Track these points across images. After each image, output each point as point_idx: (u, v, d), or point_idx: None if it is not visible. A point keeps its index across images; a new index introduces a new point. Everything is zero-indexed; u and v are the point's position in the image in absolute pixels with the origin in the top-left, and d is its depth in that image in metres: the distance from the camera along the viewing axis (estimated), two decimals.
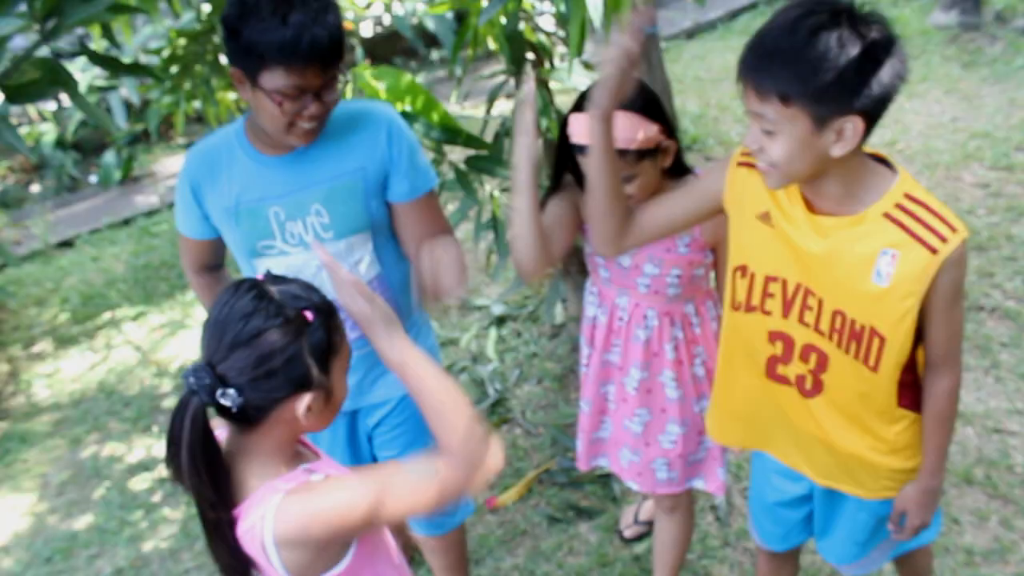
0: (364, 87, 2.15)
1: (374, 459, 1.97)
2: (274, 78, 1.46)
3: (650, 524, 2.46)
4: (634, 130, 1.58)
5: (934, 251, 1.26)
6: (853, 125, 1.20)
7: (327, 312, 1.19)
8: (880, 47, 1.17)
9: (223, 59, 3.32)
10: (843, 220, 1.32)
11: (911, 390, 1.44)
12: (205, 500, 1.16)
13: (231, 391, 1.12)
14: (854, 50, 1.15)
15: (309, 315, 1.16)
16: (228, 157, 1.67)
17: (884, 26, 1.20)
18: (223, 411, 1.14)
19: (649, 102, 1.63)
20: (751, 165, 1.40)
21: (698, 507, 2.51)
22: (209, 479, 1.14)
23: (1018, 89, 4.82)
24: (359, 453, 1.95)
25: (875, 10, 1.21)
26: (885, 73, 1.18)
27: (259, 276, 1.20)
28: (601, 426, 2.03)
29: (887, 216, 1.29)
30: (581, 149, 1.60)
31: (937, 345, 1.37)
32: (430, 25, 5.58)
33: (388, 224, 1.75)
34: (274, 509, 1.14)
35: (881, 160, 1.35)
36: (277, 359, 1.13)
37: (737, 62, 1.26)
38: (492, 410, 3.12)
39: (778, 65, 1.19)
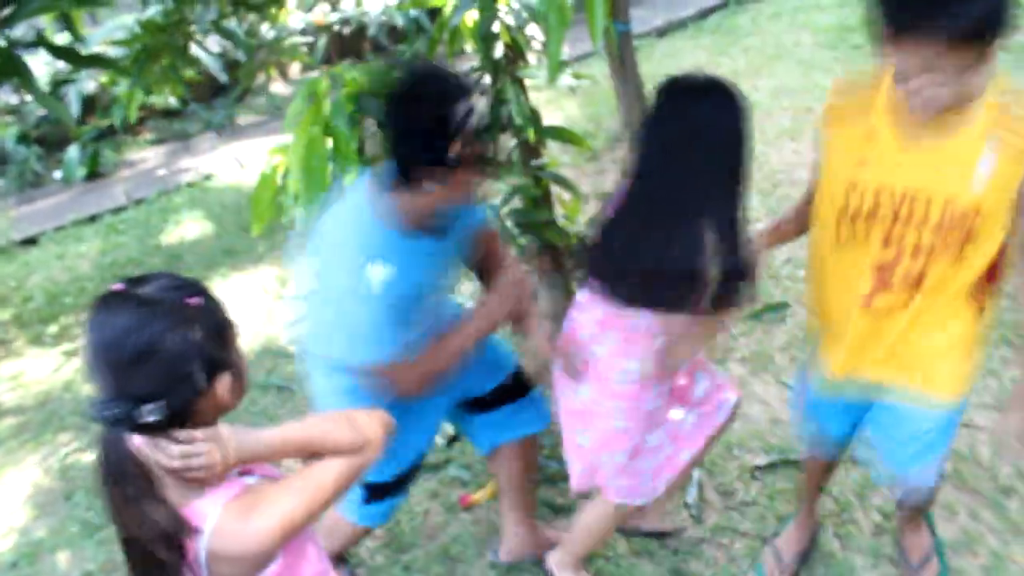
0: (349, 84, 2.15)
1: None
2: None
3: None
4: None
5: None
6: (995, 52, 1.37)
7: (203, 291, 1.16)
8: None
9: (193, 47, 3.29)
10: (948, 117, 1.50)
11: (985, 284, 1.67)
12: (159, 540, 1.09)
13: (149, 406, 1.07)
14: None
15: (194, 301, 1.12)
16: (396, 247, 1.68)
17: None
18: (148, 427, 1.09)
19: None
20: (839, 105, 1.69)
21: (673, 504, 2.52)
22: (159, 512, 1.09)
23: None
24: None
25: None
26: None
27: (115, 287, 1.13)
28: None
29: (988, 108, 1.50)
30: None
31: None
32: (399, 22, 5.58)
33: None
34: (212, 525, 1.10)
35: None
36: (187, 358, 1.09)
37: (910, 20, 1.36)
38: None
39: (974, 7, 1.32)
